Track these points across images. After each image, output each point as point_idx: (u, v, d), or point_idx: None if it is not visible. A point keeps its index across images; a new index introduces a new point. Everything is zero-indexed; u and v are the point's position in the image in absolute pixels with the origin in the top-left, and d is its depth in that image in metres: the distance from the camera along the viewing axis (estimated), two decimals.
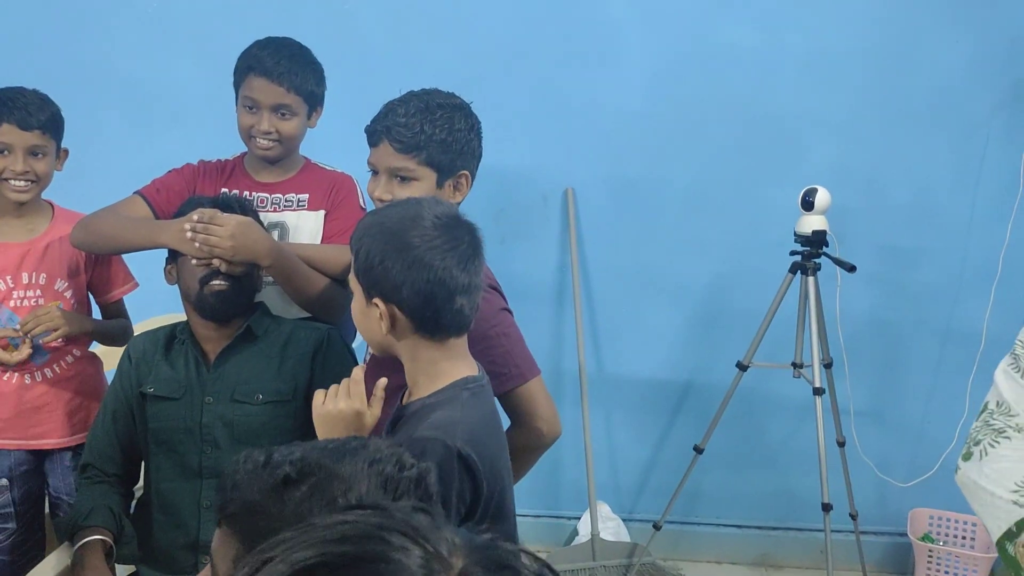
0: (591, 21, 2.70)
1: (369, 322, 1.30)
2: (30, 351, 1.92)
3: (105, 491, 1.77)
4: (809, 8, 2.64)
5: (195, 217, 1.68)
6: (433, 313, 1.26)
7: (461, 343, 1.34)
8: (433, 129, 1.59)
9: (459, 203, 1.68)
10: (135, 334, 1.95)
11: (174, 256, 1.78)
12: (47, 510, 2.11)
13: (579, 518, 2.96)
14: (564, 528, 3.01)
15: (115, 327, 2.13)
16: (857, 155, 2.70)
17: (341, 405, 1.26)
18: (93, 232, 1.87)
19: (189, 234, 1.67)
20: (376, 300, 1.26)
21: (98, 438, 1.82)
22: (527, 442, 1.60)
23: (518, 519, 2.79)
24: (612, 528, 2.91)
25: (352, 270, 1.32)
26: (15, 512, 2.05)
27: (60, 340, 1.95)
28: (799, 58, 2.66)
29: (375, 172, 1.66)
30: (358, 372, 1.30)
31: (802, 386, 2.53)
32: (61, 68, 2.59)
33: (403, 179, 1.61)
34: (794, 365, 2.50)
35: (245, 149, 1.99)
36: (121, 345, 2.14)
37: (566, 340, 2.91)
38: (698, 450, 2.64)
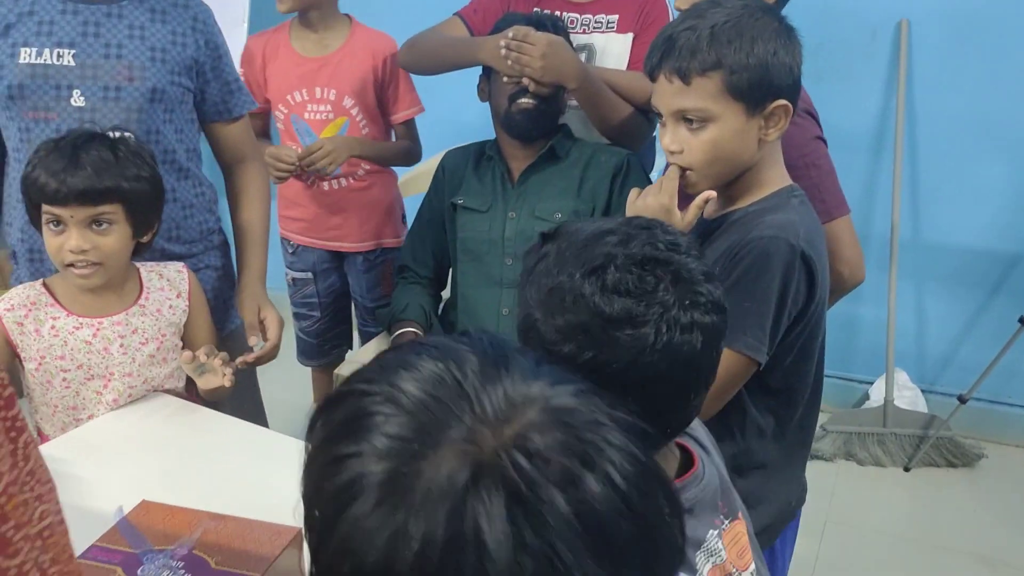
0: None
1: (746, 138, 1.20)
2: None
3: (419, 291, 1.93)
4: None
5: (510, 35, 1.71)
6: (798, 96, 1.22)
7: (780, 146, 1.27)
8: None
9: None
10: (447, 150, 2.05)
11: (488, 73, 1.84)
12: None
13: (872, 383, 2.81)
14: (854, 391, 2.88)
15: (390, 149, 2.20)
16: None
17: (650, 200, 1.24)
18: (418, 52, 1.96)
19: (503, 51, 1.71)
20: (780, 101, 1.18)
21: (413, 243, 1.97)
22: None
23: None
24: (908, 397, 2.73)
25: (723, 89, 1.18)
26: (319, 303, 2.31)
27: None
28: None
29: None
30: (673, 170, 1.25)
31: None
32: None
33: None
34: None
35: None
36: (404, 165, 2.27)
37: (879, 195, 2.69)
38: (1023, 321, 2.37)
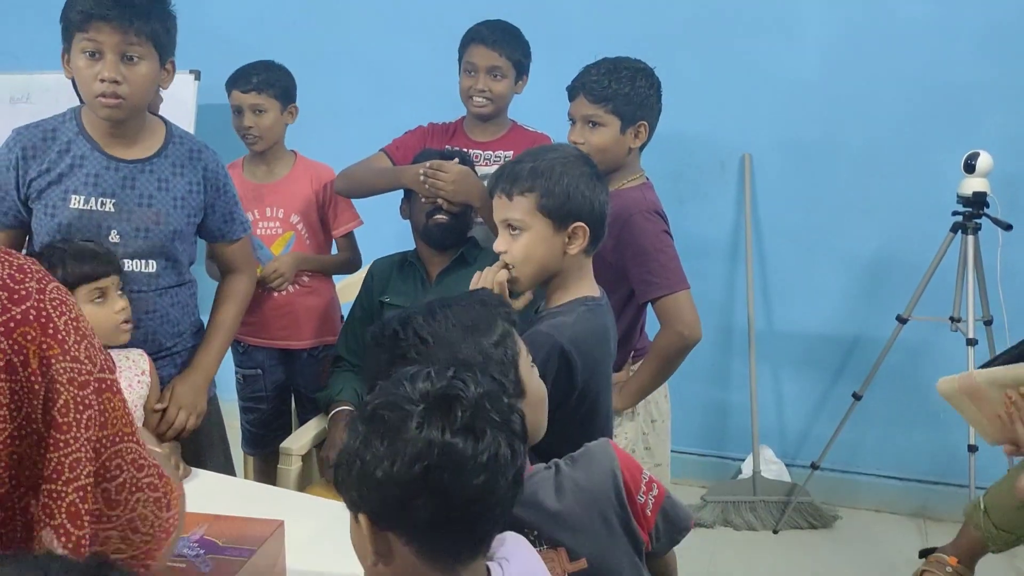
0: None
1: (551, 248, 1.57)
2: None
3: (351, 377, 2.27)
4: None
5: (427, 165, 2.14)
6: (603, 229, 1.62)
7: (591, 263, 1.66)
8: (619, 84, 1.97)
9: (639, 148, 2.03)
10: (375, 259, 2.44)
11: (408, 195, 2.26)
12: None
13: (744, 459, 3.23)
14: (729, 467, 3.29)
15: (331, 261, 2.61)
16: None
17: (485, 279, 1.60)
18: (351, 181, 2.38)
19: (422, 178, 2.13)
20: (579, 224, 1.56)
21: (347, 337, 2.32)
22: (670, 343, 1.94)
23: (688, 456, 3.18)
24: (775, 470, 3.16)
25: (534, 208, 1.56)
26: (266, 396, 2.62)
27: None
28: (974, 31, 2.79)
29: (573, 122, 2.05)
30: (499, 264, 1.61)
31: (963, 345, 2.67)
32: (312, 51, 3.17)
33: (593, 125, 1.99)
34: (952, 319, 2.66)
35: (464, 114, 2.43)
36: (342, 274, 2.66)
37: (737, 295, 3.19)
38: (856, 397, 2.85)
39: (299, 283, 2.53)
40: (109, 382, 0.85)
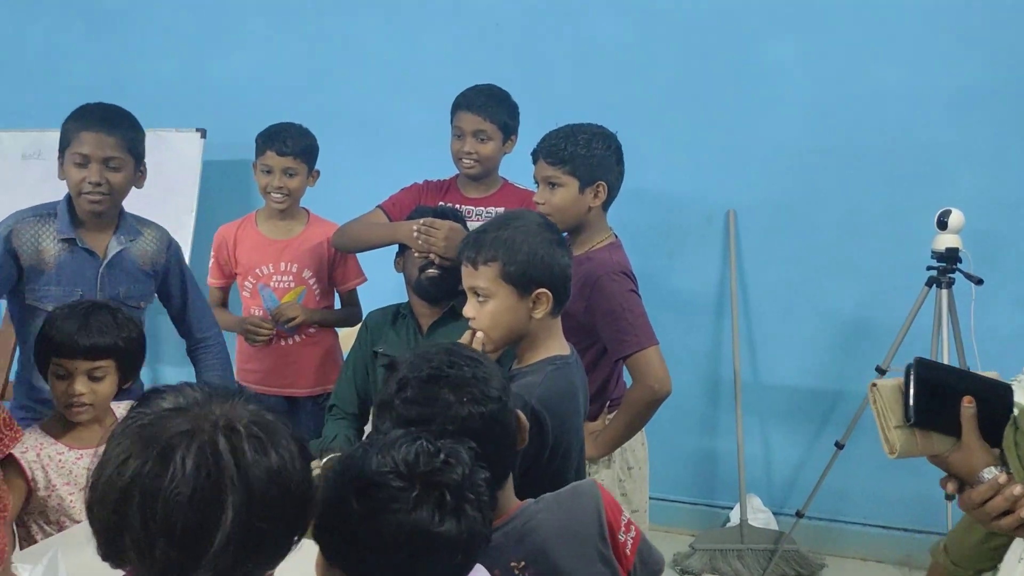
0: (755, 62, 3.10)
1: (516, 313, 1.63)
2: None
3: (345, 425, 2.34)
4: (958, 48, 2.90)
5: (421, 221, 2.24)
6: (566, 291, 1.69)
7: (559, 323, 1.71)
8: (575, 147, 2.06)
9: (598, 207, 2.11)
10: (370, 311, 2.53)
11: (402, 250, 2.35)
12: None
13: (731, 508, 3.29)
14: (718, 516, 3.35)
15: (339, 316, 2.75)
16: (1003, 183, 2.91)
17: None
18: (348, 236, 2.48)
19: (415, 234, 2.23)
20: (542, 289, 1.62)
21: (341, 386, 2.40)
22: (641, 396, 2.00)
23: (676, 504, 3.23)
24: (762, 519, 3.22)
25: (497, 276, 1.62)
26: None
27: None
28: (948, 95, 2.92)
29: (538, 184, 2.15)
30: (468, 332, 1.67)
31: None
32: (311, 110, 3.29)
33: (553, 185, 2.09)
34: None
35: (458, 172, 2.55)
36: (346, 327, 2.76)
37: (723, 348, 3.27)
38: (839, 445, 2.92)
39: (305, 334, 2.65)
40: None
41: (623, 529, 1.36)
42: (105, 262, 2.14)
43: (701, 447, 3.36)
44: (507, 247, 1.63)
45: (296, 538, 0.95)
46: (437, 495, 1.00)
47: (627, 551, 1.35)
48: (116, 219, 2.18)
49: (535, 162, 2.14)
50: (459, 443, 1.09)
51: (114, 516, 0.87)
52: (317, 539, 1.04)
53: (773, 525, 3.21)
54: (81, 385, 1.77)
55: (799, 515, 3.04)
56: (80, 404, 1.78)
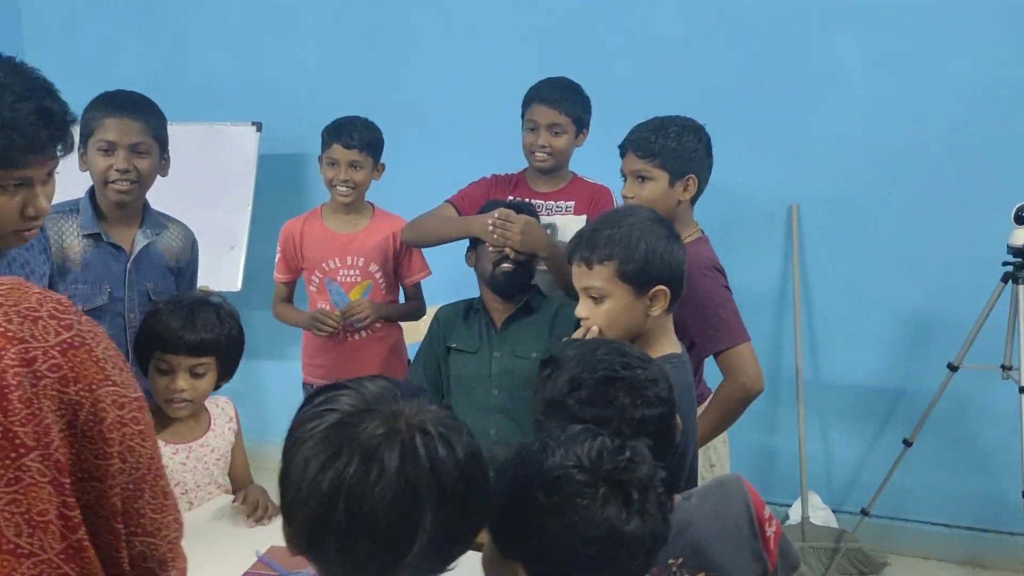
0: (818, 56, 3.05)
1: (633, 312, 1.61)
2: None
3: None
4: None
5: (496, 215, 2.22)
6: (683, 287, 1.67)
7: (671, 320, 1.69)
8: (666, 140, 2.04)
9: (687, 201, 2.10)
10: (440, 305, 2.52)
11: (475, 245, 2.34)
12: None
13: (791, 505, 3.25)
14: (777, 513, 3.29)
15: (405, 309, 2.74)
16: None
17: None
18: (420, 231, 2.48)
19: (490, 227, 2.22)
20: (660, 287, 1.60)
21: (415, 380, 2.40)
22: (734, 393, 1.99)
23: None
24: (822, 517, 3.18)
25: (614, 275, 1.60)
26: None
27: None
28: (1016, 87, 2.86)
29: (625, 177, 2.13)
30: (583, 330, 1.65)
31: (1015, 396, 2.70)
32: (367, 104, 3.27)
33: (643, 179, 2.06)
34: (1003, 367, 2.69)
35: (525, 166, 2.53)
36: (411, 320, 2.75)
37: (785, 345, 3.24)
38: (907, 443, 2.88)
39: (372, 329, 2.65)
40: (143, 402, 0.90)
41: (768, 523, 1.35)
42: (132, 256, 2.06)
43: (761, 444, 3.33)
44: (623, 245, 1.60)
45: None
46: (623, 493, 0.99)
47: (771, 545, 1.33)
48: (141, 212, 2.11)
49: (623, 155, 2.12)
50: (639, 441, 1.07)
51: (318, 516, 0.88)
52: (493, 533, 1.03)
53: (832, 523, 3.17)
54: (183, 381, 1.77)
55: (864, 513, 3.01)
56: (180, 400, 1.78)
